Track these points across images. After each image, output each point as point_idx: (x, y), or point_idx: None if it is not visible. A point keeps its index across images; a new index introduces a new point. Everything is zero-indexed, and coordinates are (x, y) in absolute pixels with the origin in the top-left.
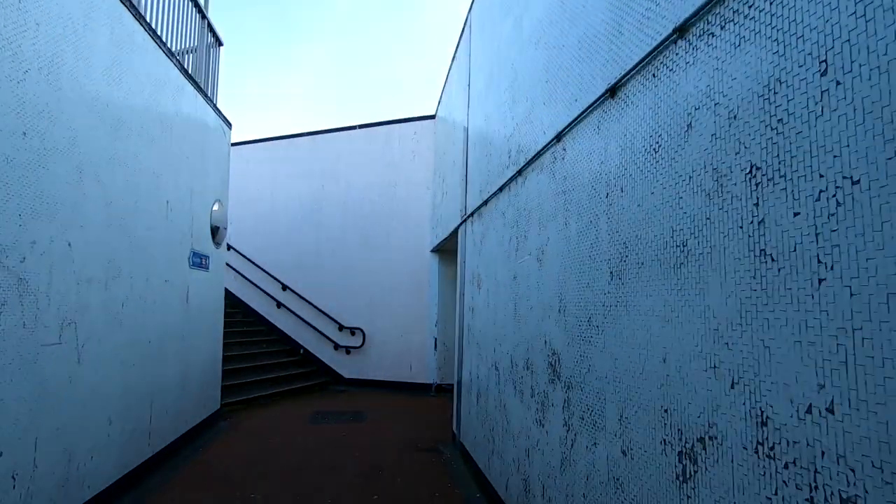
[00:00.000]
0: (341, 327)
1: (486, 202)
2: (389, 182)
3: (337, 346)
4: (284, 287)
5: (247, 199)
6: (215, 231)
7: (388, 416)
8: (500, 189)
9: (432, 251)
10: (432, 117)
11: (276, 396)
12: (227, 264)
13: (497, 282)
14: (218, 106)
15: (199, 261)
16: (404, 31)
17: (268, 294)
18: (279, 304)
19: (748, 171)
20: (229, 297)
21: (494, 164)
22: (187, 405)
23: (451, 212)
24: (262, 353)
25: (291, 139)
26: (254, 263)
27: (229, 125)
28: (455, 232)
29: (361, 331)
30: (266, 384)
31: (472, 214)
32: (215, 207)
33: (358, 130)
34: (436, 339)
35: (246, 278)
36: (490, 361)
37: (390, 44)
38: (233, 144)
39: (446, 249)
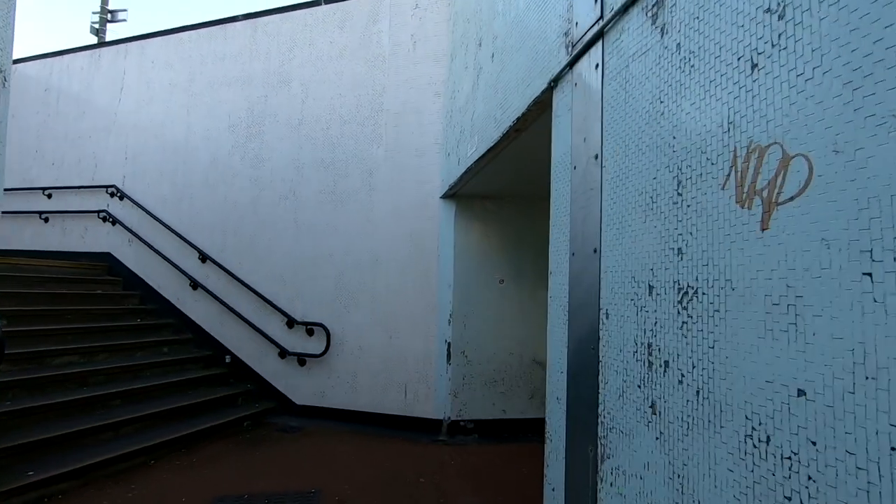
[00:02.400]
0: (292, 323)
1: None
2: (373, 87)
3: (285, 353)
4: (204, 258)
5: (149, 123)
6: None
7: None
8: None
9: (445, 197)
10: None
11: (161, 453)
12: (120, 223)
13: None
14: None
15: None
16: None
17: (179, 269)
18: (195, 285)
19: None
20: (120, 271)
21: None
22: None
23: (523, 68)
24: (157, 366)
25: (220, 26)
26: (159, 221)
27: None
28: (536, 108)
29: (324, 329)
30: (150, 428)
31: None
32: None
33: (324, 6)
34: (449, 344)
35: (147, 244)
36: None
37: None
38: (131, 38)
39: (466, 195)
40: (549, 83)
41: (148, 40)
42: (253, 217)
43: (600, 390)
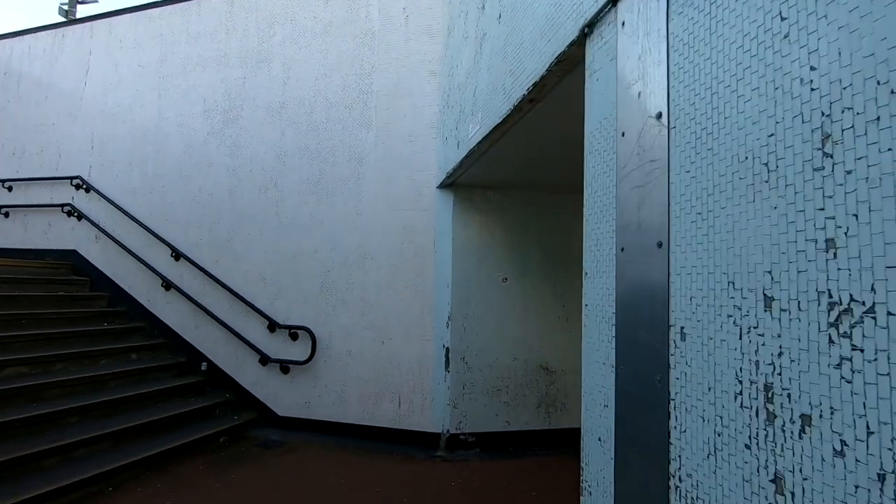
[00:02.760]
0: (274, 326)
1: None
2: (362, 66)
3: (266, 360)
4: (178, 255)
5: (117, 109)
6: None
7: None
8: None
9: (442, 186)
10: None
11: (123, 477)
12: (86, 217)
13: None
14: None
15: None
16: None
17: (150, 267)
18: (168, 285)
19: None
20: (87, 271)
21: None
22: None
23: (542, 21)
24: (124, 375)
25: (194, 1)
26: (129, 215)
27: None
28: (559, 68)
29: (309, 333)
30: (112, 448)
31: None
32: None
33: None
34: (448, 348)
35: (115, 240)
36: None
37: None
38: (98, 16)
39: (466, 184)
40: (582, 30)
41: (115, 18)
42: (231, 210)
43: (672, 440)
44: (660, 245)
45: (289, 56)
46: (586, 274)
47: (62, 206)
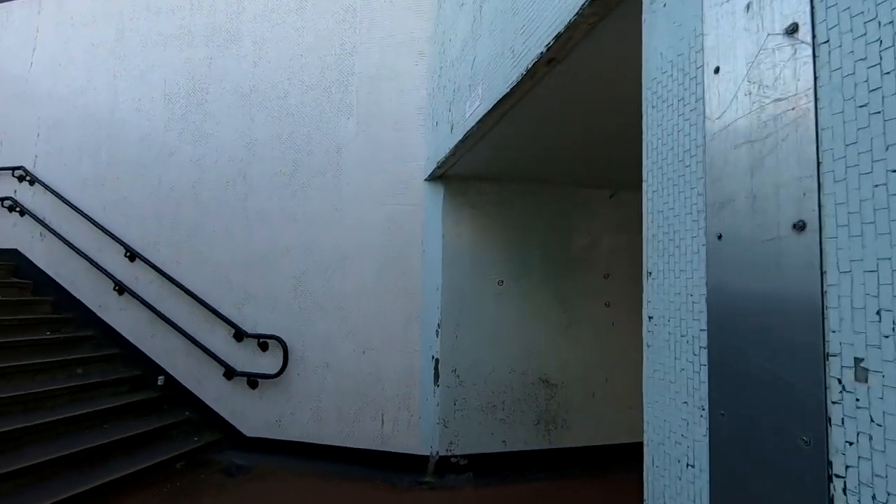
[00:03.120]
0: (241, 335)
1: None
2: (342, 46)
3: (231, 373)
4: (133, 255)
5: (67, 91)
6: None
7: None
8: None
9: (432, 178)
10: None
11: None
12: (29, 213)
13: None
14: None
15: None
16: None
17: (102, 269)
18: (122, 289)
19: None
20: (29, 272)
21: None
22: None
23: None
24: (66, 393)
25: None
26: (78, 211)
27: None
28: (592, 11)
29: (281, 343)
30: (38, 482)
31: None
32: None
33: None
34: (437, 360)
35: (62, 239)
36: None
37: None
38: None
39: (458, 175)
40: None
41: None
42: (193, 205)
43: None
44: (800, 227)
45: (260, 34)
46: (650, 273)
47: (2, 199)
